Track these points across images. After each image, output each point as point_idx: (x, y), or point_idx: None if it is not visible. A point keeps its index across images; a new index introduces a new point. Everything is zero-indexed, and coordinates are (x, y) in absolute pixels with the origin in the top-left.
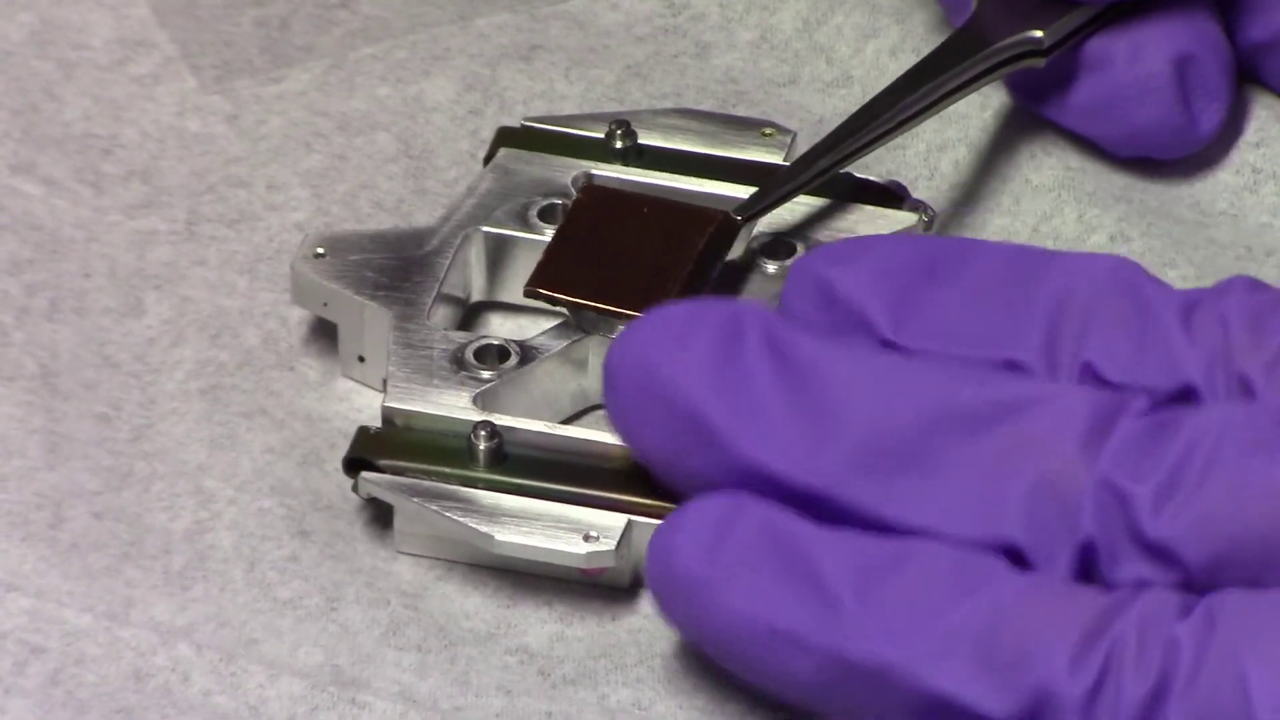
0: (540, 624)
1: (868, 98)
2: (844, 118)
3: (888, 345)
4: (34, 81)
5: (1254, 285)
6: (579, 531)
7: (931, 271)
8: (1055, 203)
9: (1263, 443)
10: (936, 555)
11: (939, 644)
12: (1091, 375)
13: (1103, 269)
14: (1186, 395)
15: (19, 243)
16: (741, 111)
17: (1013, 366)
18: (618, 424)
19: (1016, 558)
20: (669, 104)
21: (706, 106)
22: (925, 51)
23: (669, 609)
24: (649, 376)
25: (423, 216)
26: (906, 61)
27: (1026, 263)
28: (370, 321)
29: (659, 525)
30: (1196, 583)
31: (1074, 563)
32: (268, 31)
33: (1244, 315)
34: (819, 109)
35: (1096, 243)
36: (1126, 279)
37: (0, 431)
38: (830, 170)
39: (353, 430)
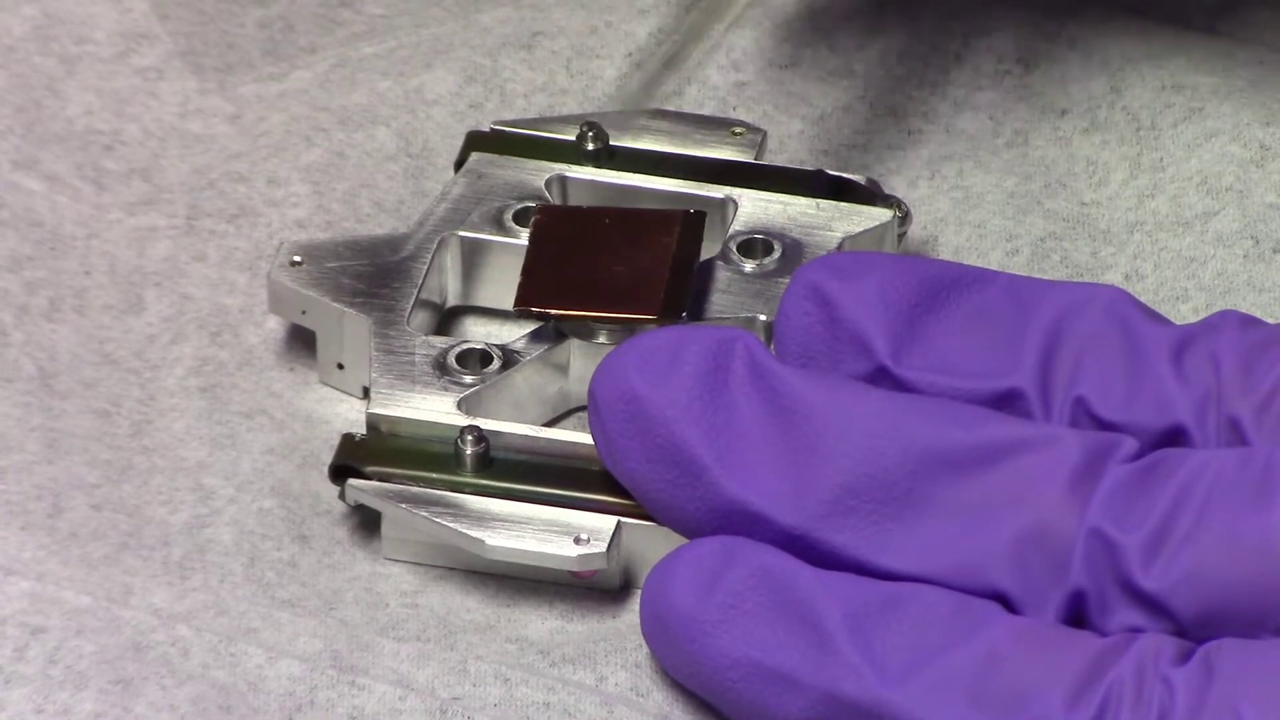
0: (540, 620)
1: (868, 89)
2: (844, 112)
3: (883, 372)
4: (36, 77)
5: (1246, 322)
6: (569, 534)
7: (932, 299)
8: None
9: (1253, 493)
10: (932, 598)
11: (933, 684)
12: (1084, 411)
13: (1098, 303)
14: (1176, 435)
15: (19, 239)
16: (742, 110)
17: (1008, 399)
18: (602, 451)
19: (1005, 605)
20: (667, 98)
21: (707, 102)
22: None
23: (662, 649)
24: (633, 407)
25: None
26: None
27: (1024, 294)
28: (349, 328)
29: (653, 568)
30: (1189, 633)
31: (1063, 610)
32: (270, 33)
33: (1235, 355)
34: (820, 103)
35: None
36: (1121, 314)
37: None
38: None
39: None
